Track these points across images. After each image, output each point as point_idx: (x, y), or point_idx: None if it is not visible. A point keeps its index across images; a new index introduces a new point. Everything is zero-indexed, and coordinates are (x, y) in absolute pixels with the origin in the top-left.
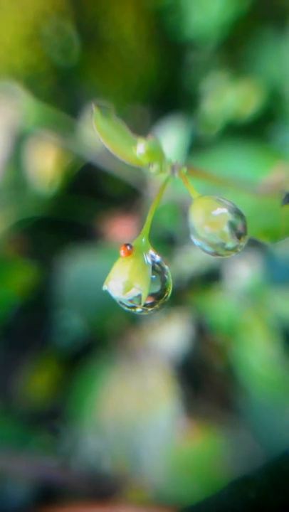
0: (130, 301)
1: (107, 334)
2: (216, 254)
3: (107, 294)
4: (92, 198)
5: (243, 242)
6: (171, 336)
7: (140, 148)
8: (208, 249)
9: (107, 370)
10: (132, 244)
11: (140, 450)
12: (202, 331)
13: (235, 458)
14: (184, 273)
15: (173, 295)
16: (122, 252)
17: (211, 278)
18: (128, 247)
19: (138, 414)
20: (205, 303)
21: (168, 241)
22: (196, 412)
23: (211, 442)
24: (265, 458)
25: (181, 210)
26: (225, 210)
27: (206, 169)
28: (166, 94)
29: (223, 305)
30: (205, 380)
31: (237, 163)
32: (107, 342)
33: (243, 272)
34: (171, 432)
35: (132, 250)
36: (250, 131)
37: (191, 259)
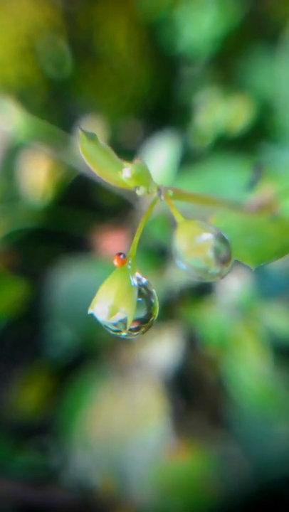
0: (115, 325)
1: (98, 347)
2: (201, 278)
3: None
4: (84, 210)
5: (228, 268)
6: (162, 349)
7: (126, 172)
8: (193, 273)
9: (97, 383)
10: (125, 253)
11: (128, 468)
12: (193, 345)
13: (224, 475)
14: (175, 286)
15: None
16: (115, 262)
17: (201, 291)
18: (121, 257)
19: (127, 430)
20: (196, 316)
21: (159, 253)
22: (185, 427)
23: (199, 460)
24: (254, 473)
25: (171, 222)
26: (209, 236)
27: (194, 189)
28: (159, 108)
29: (214, 318)
30: (196, 394)
31: (227, 177)
32: (98, 355)
33: (234, 285)
34: (160, 450)
35: (126, 260)
36: (241, 145)
37: (182, 272)
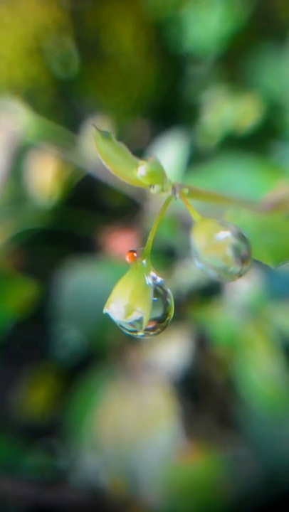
0: (131, 325)
1: (106, 348)
2: (220, 278)
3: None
4: (91, 210)
5: (247, 266)
6: (171, 350)
7: (141, 170)
8: (212, 273)
9: (105, 385)
10: (137, 250)
11: (138, 469)
12: (202, 346)
13: (234, 477)
14: (184, 286)
15: (173, 310)
16: (127, 258)
17: (210, 291)
18: (134, 254)
19: (136, 431)
20: (205, 317)
21: (167, 254)
22: (195, 429)
23: (210, 461)
24: (265, 475)
25: (180, 223)
26: (228, 234)
27: (208, 186)
28: (166, 107)
29: (223, 319)
30: (205, 395)
31: (236, 176)
32: (106, 356)
33: (244, 286)
34: (170, 451)
35: (138, 256)
36: (250, 144)
37: (191, 273)
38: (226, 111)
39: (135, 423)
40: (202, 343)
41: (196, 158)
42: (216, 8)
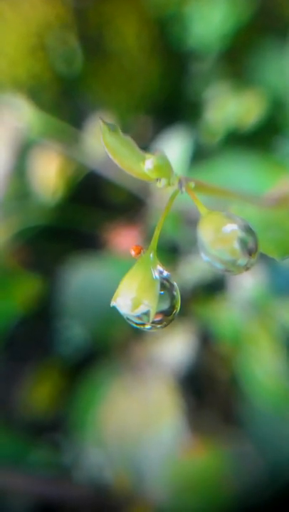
0: (138, 317)
1: (110, 344)
2: (227, 271)
3: (110, 303)
4: (95, 207)
5: (254, 259)
6: (174, 346)
7: (148, 163)
8: (219, 266)
9: (109, 381)
10: (141, 245)
11: (143, 465)
12: (206, 342)
13: (238, 472)
14: (188, 282)
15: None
16: (132, 252)
17: (215, 287)
18: (138, 248)
19: (141, 427)
20: (209, 313)
21: (171, 250)
22: (199, 425)
23: (214, 457)
24: (268, 471)
25: (184, 219)
26: (235, 227)
27: (211, 182)
28: (169, 104)
29: (227, 315)
30: (208, 391)
31: (239, 172)
32: (110, 352)
33: (248, 282)
34: (175, 447)
35: (142, 249)
36: (253, 140)
37: (195, 268)
38: (229, 108)
39: (139, 419)
40: (206, 339)
41: (199, 155)
42: (218, 5)
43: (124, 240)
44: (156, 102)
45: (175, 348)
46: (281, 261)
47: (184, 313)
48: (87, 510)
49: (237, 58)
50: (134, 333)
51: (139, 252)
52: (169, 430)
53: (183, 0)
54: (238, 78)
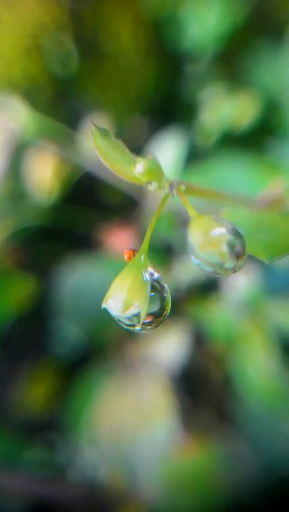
0: (129, 319)
1: (105, 344)
2: (215, 273)
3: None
4: (90, 207)
5: (242, 262)
6: (168, 346)
7: (139, 167)
8: (207, 268)
9: (104, 380)
10: (135, 249)
11: (136, 464)
12: (200, 341)
13: (232, 471)
14: (182, 283)
15: (171, 305)
16: (125, 256)
17: (208, 288)
18: (131, 252)
19: (135, 426)
20: (203, 313)
21: (165, 250)
22: (193, 424)
23: (208, 456)
24: (262, 470)
25: (178, 220)
26: (223, 230)
27: (206, 184)
28: (164, 105)
29: (220, 315)
30: (202, 391)
31: (233, 174)
32: (105, 352)
33: (241, 282)
34: (168, 446)
35: (135, 253)
36: (247, 142)
37: (189, 269)
38: (223, 109)
39: (133, 418)
40: (200, 339)
41: (194, 156)
42: (214, 7)
43: (119, 240)
44: (151, 103)
45: (169, 347)
46: (270, 263)
47: (177, 313)
48: (82, 510)
49: (232, 60)
50: (128, 334)
51: (131, 257)
52: (163, 429)
53: (178, 2)
54: (233, 80)
